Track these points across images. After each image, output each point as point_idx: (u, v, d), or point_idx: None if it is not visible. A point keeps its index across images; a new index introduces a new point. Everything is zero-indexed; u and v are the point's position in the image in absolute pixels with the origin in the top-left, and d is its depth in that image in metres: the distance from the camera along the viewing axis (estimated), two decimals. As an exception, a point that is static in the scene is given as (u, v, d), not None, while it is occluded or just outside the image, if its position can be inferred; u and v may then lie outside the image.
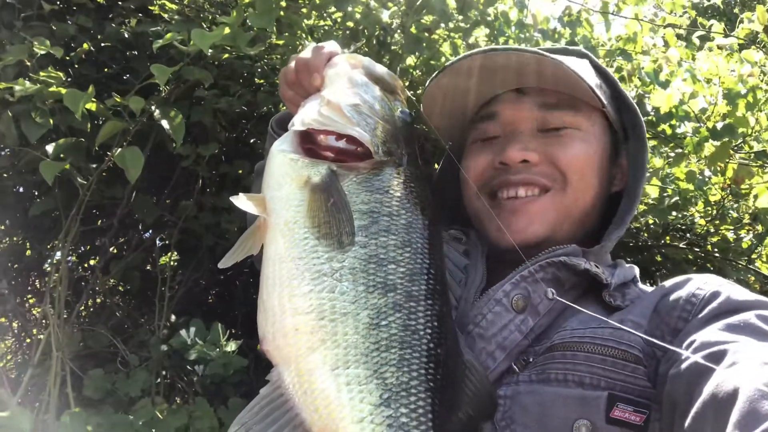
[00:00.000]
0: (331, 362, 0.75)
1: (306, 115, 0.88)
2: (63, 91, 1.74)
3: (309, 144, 0.88)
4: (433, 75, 1.03)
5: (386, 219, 0.83)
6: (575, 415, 0.78)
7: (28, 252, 2.74)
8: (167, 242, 2.56)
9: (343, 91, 0.89)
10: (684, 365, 0.73)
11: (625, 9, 2.50)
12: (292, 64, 0.96)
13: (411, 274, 0.82)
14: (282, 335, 0.78)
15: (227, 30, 1.79)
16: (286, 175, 0.85)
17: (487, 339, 0.86)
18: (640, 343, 0.82)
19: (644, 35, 2.53)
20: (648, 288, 0.98)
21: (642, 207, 2.68)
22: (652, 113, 2.39)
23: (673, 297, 0.86)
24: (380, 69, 0.94)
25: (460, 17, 2.30)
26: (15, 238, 2.73)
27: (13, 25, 1.99)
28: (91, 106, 1.79)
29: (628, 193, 1.05)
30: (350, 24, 2.25)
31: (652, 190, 2.57)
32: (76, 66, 2.21)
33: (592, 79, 0.98)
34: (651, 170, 2.54)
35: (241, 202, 0.84)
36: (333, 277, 0.78)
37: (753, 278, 2.99)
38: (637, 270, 1.03)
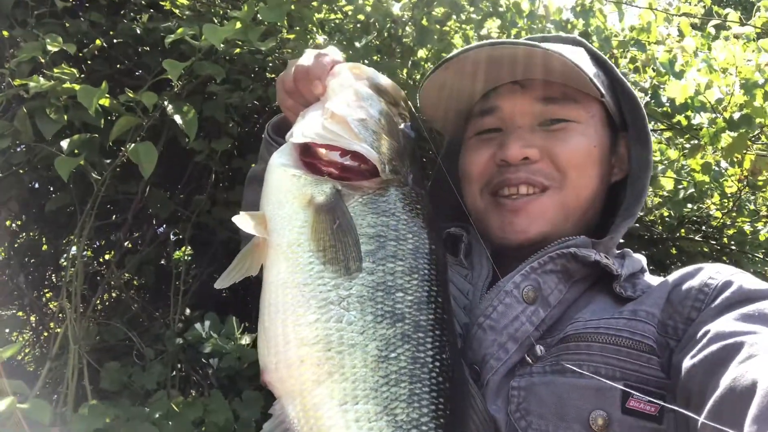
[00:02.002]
0: (338, 397, 0.71)
1: (307, 128, 0.83)
2: (77, 87, 1.75)
3: (309, 158, 0.83)
4: (427, 74, 1.00)
5: (393, 244, 0.79)
6: (591, 405, 0.78)
7: (45, 247, 2.78)
8: (181, 237, 2.57)
9: (349, 104, 0.83)
10: (699, 356, 0.73)
11: (639, -2, 2.47)
12: (291, 70, 0.92)
13: (419, 303, 0.77)
14: (286, 366, 0.74)
15: (238, 25, 1.79)
16: (288, 193, 0.80)
17: (498, 330, 0.86)
18: (654, 334, 0.82)
19: (658, 25, 2.50)
20: (656, 278, 0.97)
21: (657, 199, 2.65)
22: (667, 104, 2.36)
23: (685, 286, 0.86)
24: (384, 80, 0.90)
25: (471, 9, 2.28)
26: (31, 234, 2.76)
27: (27, 22, 2.01)
28: (105, 101, 1.80)
29: (632, 184, 1.03)
30: (361, 17, 2.24)
31: (667, 182, 2.54)
32: (89, 62, 2.22)
33: (589, 69, 0.96)
34: (666, 162, 2.51)
35: (242, 221, 0.80)
36: (340, 305, 0.73)
37: (770, 271, 2.96)
38: (644, 260, 1.03)
